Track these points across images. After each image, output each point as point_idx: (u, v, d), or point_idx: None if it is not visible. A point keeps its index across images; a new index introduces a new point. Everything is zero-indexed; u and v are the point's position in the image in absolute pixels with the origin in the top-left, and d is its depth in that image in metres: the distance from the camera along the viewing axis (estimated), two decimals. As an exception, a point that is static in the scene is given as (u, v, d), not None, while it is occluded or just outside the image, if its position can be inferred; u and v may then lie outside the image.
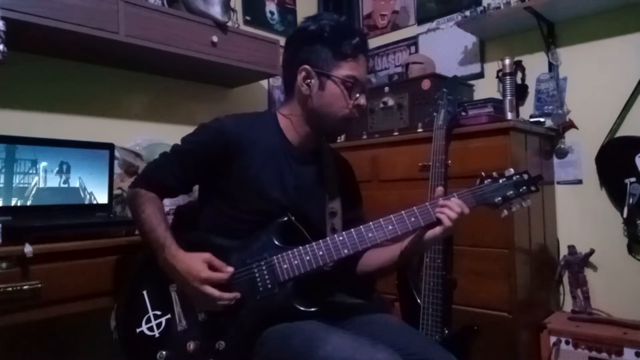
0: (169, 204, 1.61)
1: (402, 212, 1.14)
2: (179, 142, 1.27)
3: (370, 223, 1.14)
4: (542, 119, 2.19)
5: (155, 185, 1.23)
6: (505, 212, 1.17)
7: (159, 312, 1.16)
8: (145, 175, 1.28)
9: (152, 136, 2.03)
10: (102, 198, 1.75)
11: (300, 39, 1.26)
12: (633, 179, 1.97)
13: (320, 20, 1.23)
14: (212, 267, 1.10)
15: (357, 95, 1.23)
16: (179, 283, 1.13)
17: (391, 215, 1.14)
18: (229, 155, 1.21)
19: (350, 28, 1.28)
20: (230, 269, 1.11)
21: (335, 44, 1.20)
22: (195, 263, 1.09)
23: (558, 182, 2.26)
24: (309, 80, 1.22)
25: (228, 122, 1.25)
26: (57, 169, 1.66)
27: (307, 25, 1.24)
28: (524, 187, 1.16)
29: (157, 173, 1.25)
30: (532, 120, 2.16)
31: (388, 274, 1.43)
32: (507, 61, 2.14)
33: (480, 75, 2.50)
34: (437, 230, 1.13)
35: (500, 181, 1.17)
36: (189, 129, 1.29)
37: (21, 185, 1.58)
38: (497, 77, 2.26)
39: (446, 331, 1.66)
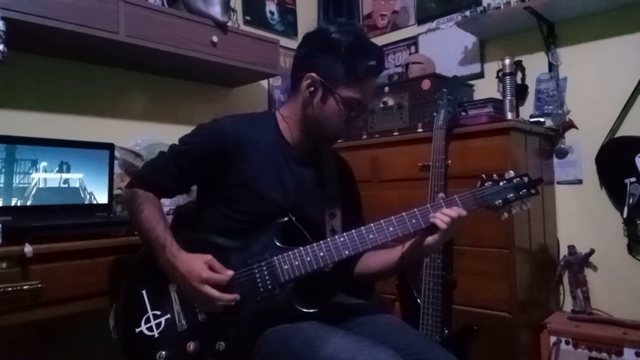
0: (168, 204, 1.61)
1: (403, 213, 1.14)
2: (177, 143, 1.26)
3: (371, 224, 1.14)
4: (542, 119, 2.19)
5: (152, 186, 1.23)
6: (506, 214, 1.17)
7: (158, 312, 1.16)
8: (142, 176, 1.27)
9: (152, 136, 2.03)
10: (102, 198, 1.76)
11: (317, 42, 1.22)
12: (633, 179, 1.97)
13: (343, 30, 1.18)
14: (212, 269, 1.10)
15: (355, 116, 1.23)
16: (179, 283, 1.13)
17: (392, 217, 1.14)
18: (227, 157, 1.20)
19: (370, 48, 1.21)
20: (231, 272, 1.11)
21: (350, 63, 1.16)
22: (196, 263, 1.09)
23: (558, 182, 2.26)
24: (312, 89, 1.20)
25: (226, 123, 1.25)
26: (57, 169, 1.67)
27: (330, 31, 1.19)
28: (524, 190, 1.16)
29: (154, 173, 1.24)
30: (532, 120, 2.16)
31: (387, 277, 1.43)
32: (507, 61, 2.14)
33: (480, 75, 2.50)
34: (436, 235, 1.13)
35: (501, 184, 1.17)
36: (188, 129, 1.29)
37: (21, 185, 1.58)
38: (497, 77, 2.26)
39: (446, 331, 1.66)
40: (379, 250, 1.25)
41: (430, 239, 1.15)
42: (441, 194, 1.19)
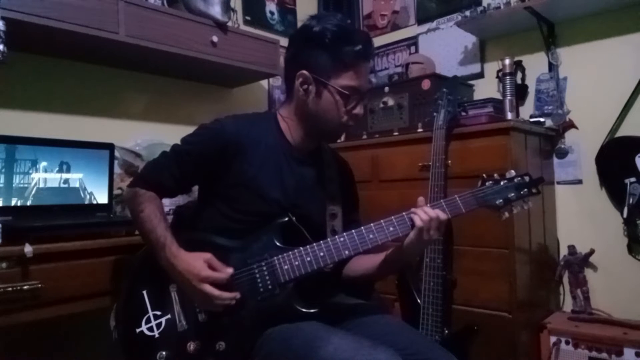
0: (168, 203, 1.61)
1: (403, 213, 1.14)
2: (179, 142, 1.26)
3: (371, 224, 1.14)
4: (542, 119, 2.19)
5: (154, 185, 1.23)
6: (506, 214, 1.17)
7: (158, 312, 1.16)
8: (144, 175, 1.28)
9: (152, 136, 2.03)
10: (102, 198, 1.76)
11: (302, 40, 1.23)
12: (633, 179, 1.97)
13: (324, 22, 1.19)
14: (212, 268, 1.10)
15: (354, 104, 1.22)
16: (179, 282, 1.13)
17: (392, 217, 1.14)
18: (228, 157, 1.20)
19: (354, 34, 1.21)
20: (230, 270, 1.11)
21: (336, 51, 1.17)
22: (196, 262, 1.09)
23: (558, 182, 2.26)
24: (306, 86, 1.20)
25: (228, 122, 1.25)
26: (57, 169, 1.66)
27: (311, 25, 1.21)
28: (525, 190, 1.16)
29: (156, 173, 1.25)
30: (532, 120, 2.16)
31: (374, 280, 1.41)
32: (507, 61, 2.13)
33: (480, 75, 2.50)
34: (412, 233, 1.12)
35: (502, 183, 1.17)
36: (189, 129, 1.29)
37: (21, 185, 1.58)
38: (497, 77, 2.26)
39: (446, 331, 1.66)
40: (367, 254, 1.24)
41: (407, 239, 1.14)
42: (420, 198, 1.17)
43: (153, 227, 1.15)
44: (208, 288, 1.07)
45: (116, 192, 1.79)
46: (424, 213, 1.12)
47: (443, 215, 1.12)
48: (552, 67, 2.26)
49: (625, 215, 1.99)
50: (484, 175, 1.20)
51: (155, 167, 1.26)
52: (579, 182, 2.20)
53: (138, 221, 1.19)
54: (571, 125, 2.21)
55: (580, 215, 2.19)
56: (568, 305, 2.16)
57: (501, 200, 1.16)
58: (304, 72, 1.19)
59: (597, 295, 2.09)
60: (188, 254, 1.11)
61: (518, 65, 2.30)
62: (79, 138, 1.77)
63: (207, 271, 1.08)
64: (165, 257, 1.11)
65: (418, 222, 1.11)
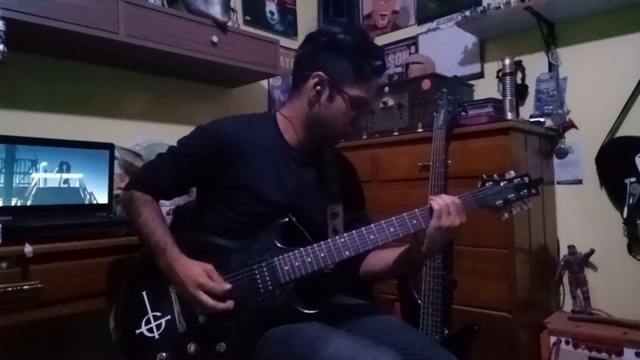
0: (168, 204, 1.61)
1: (404, 214, 1.14)
2: (175, 144, 1.26)
3: (372, 225, 1.14)
4: (542, 119, 2.19)
5: (150, 187, 1.23)
6: (506, 214, 1.17)
7: (158, 314, 1.16)
8: (140, 177, 1.27)
9: (152, 136, 2.03)
10: (102, 198, 1.76)
11: (323, 42, 1.21)
12: (633, 179, 1.97)
13: (349, 31, 1.19)
14: (210, 278, 1.10)
15: (360, 114, 1.23)
16: (176, 285, 1.13)
17: (393, 217, 1.14)
18: (225, 159, 1.20)
19: (375, 48, 1.24)
20: (227, 286, 1.11)
21: (357, 62, 1.17)
22: (195, 268, 1.10)
23: (558, 182, 2.26)
24: (319, 87, 1.19)
25: (225, 124, 1.24)
26: (57, 169, 1.67)
27: (335, 31, 1.19)
28: (525, 190, 1.16)
29: (152, 175, 1.24)
30: (532, 120, 2.16)
31: (393, 276, 1.42)
32: (507, 61, 2.14)
33: (480, 75, 2.50)
34: (433, 220, 1.12)
35: (502, 184, 1.17)
36: (188, 129, 1.29)
37: (21, 185, 1.58)
38: (497, 77, 2.26)
39: (446, 331, 1.66)
40: (384, 249, 1.24)
41: (430, 227, 1.13)
42: None
43: (151, 231, 1.15)
44: (203, 296, 1.07)
45: (116, 192, 1.79)
46: (440, 198, 1.13)
47: (458, 200, 1.13)
48: (552, 67, 2.26)
49: (625, 215, 1.99)
50: (484, 176, 1.20)
51: (151, 170, 1.26)
52: (579, 182, 2.20)
53: (136, 225, 1.19)
54: (571, 125, 2.21)
55: (580, 215, 2.19)
56: (568, 305, 2.16)
57: (501, 201, 1.16)
58: (321, 73, 1.18)
59: (597, 295, 2.09)
60: (189, 260, 1.12)
61: (518, 65, 2.30)
62: (79, 138, 1.77)
63: (204, 279, 1.08)
64: (165, 260, 1.11)
65: (436, 206, 1.12)
